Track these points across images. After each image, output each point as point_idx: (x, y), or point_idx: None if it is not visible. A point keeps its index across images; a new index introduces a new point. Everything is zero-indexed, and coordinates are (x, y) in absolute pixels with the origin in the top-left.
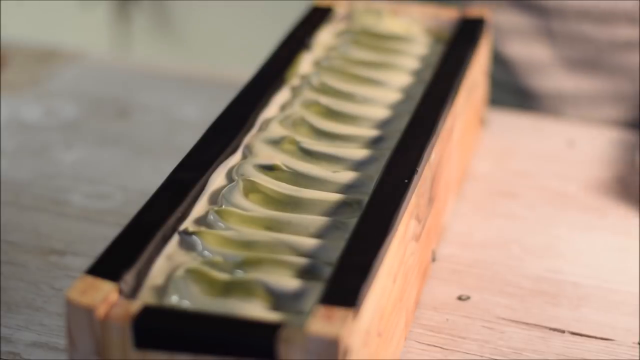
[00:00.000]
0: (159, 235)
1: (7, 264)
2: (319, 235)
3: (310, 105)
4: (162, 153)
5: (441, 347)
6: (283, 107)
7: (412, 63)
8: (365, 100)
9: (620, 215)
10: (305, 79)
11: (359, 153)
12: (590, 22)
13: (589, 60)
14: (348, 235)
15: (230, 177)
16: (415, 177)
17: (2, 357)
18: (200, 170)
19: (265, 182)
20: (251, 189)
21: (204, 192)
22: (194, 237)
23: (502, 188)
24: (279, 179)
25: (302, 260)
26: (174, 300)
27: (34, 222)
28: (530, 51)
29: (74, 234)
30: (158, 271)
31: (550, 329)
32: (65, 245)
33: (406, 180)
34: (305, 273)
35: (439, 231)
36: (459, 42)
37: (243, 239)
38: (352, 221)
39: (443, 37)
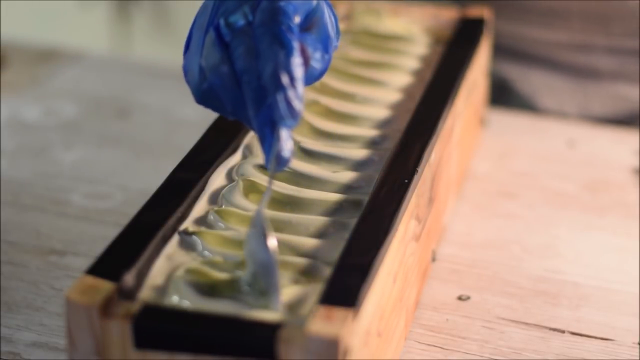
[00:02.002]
0: (159, 235)
1: (7, 264)
2: (319, 235)
3: (310, 105)
4: (162, 153)
5: (441, 347)
6: None
7: (412, 63)
8: (365, 100)
9: (620, 215)
10: None
11: (359, 153)
12: None
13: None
14: (348, 235)
15: (230, 177)
16: (415, 177)
17: (2, 357)
18: (200, 170)
19: (265, 182)
20: (251, 189)
21: (204, 192)
22: (194, 237)
23: (502, 188)
24: (279, 179)
25: (302, 261)
26: (174, 300)
27: (34, 222)
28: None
29: (74, 234)
30: (158, 271)
31: (550, 329)
32: (65, 245)
33: (406, 180)
34: (305, 274)
35: (439, 231)
36: (459, 42)
37: (243, 239)
38: (352, 221)
39: (443, 37)
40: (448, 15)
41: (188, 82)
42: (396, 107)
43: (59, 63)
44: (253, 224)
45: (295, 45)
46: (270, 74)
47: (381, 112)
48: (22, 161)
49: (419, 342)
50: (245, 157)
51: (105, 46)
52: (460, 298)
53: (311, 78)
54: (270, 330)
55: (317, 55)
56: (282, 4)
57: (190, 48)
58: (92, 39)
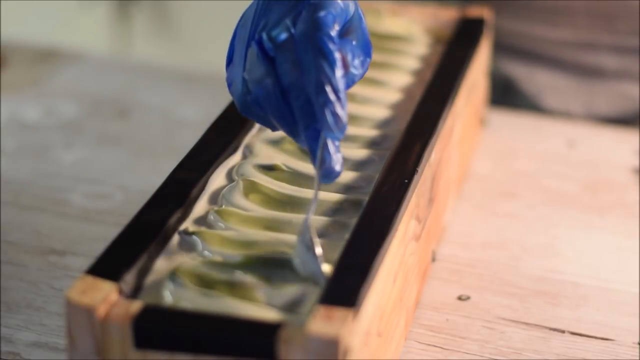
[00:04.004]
0: (159, 235)
1: (7, 264)
2: (319, 235)
3: None
4: (162, 153)
5: (441, 347)
6: None
7: (412, 63)
8: (365, 100)
9: (620, 215)
10: None
11: (359, 153)
12: None
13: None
14: (348, 235)
15: (230, 177)
16: (415, 177)
17: (2, 357)
18: (200, 170)
19: (265, 182)
20: (251, 189)
21: (204, 192)
22: (194, 237)
23: (502, 188)
24: (279, 179)
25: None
26: (173, 300)
27: (34, 222)
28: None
29: (74, 234)
30: (158, 271)
31: (550, 329)
32: (65, 245)
33: (406, 180)
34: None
35: (439, 231)
36: (459, 42)
37: (243, 239)
38: (352, 221)
39: (443, 37)
40: (448, 15)
41: (232, 93)
42: (396, 107)
43: (59, 63)
44: (301, 234)
45: (337, 56)
46: (315, 88)
47: (381, 112)
48: (22, 161)
49: (419, 342)
50: (245, 157)
51: (105, 46)
52: (460, 298)
53: (350, 84)
54: (270, 330)
55: (356, 62)
56: (322, 14)
57: (233, 61)
58: (92, 39)
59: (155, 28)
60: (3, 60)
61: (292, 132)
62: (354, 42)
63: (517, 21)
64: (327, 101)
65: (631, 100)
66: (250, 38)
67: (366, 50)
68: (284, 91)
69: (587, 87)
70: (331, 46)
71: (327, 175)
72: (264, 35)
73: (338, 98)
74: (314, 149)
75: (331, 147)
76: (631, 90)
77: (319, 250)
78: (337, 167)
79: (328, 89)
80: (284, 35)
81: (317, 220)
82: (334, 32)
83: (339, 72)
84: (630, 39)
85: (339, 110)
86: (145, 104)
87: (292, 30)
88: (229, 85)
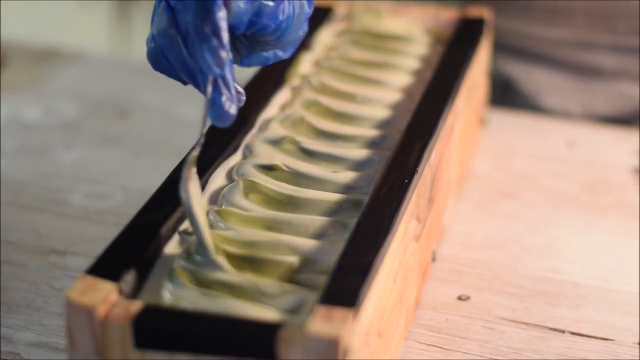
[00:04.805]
0: (159, 235)
1: (7, 264)
2: (319, 235)
3: (310, 105)
4: (162, 153)
5: (441, 347)
6: (283, 107)
7: (412, 63)
8: (365, 100)
9: (620, 215)
10: (305, 79)
11: (359, 153)
12: None
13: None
14: (348, 235)
15: (230, 177)
16: (415, 177)
17: (2, 357)
18: (200, 170)
19: (265, 182)
20: (251, 189)
21: (204, 192)
22: (194, 237)
23: (502, 188)
24: (279, 179)
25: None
26: (173, 299)
27: (34, 222)
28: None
29: (74, 234)
30: (158, 271)
31: (550, 329)
32: (65, 245)
33: (406, 180)
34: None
35: (439, 231)
36: (459, 42)
37: (243, 239)
38: (352, 221)
39: (443, 37)
40: (448, 15)
41: (147, 53)
42: (396, 107)
43: (59, 63)
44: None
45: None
46: (193, 27)
47: (381, 112)
48: (22, 161)
49: (419, 342)
50: (245, 157)
51: (105, 46)
52: (460, 298)
53: (240, 24)
54: (270, 330)
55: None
56: None
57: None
58: (92, 39)
59: None
60: (3, 60)
61: (195, 82)
62: None
63: (516, 21)
64: (204, 37)
65: (630, 99)
66: None
67: None
68: (184, 39)
69: (586, 87)
70: None
71: (218, 117)
72: None
73: (216, 35)
74: (202, 89)
75: (222, 87)
76: (630, 89)
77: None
78: (230, 110)
79: (206, 26)
80: None
81: (317, 220)
82: None
83: (219, 11)
84: (629, 38)
85: (216, 45)
86: (145, 104)
87: None
88: (146, 45)
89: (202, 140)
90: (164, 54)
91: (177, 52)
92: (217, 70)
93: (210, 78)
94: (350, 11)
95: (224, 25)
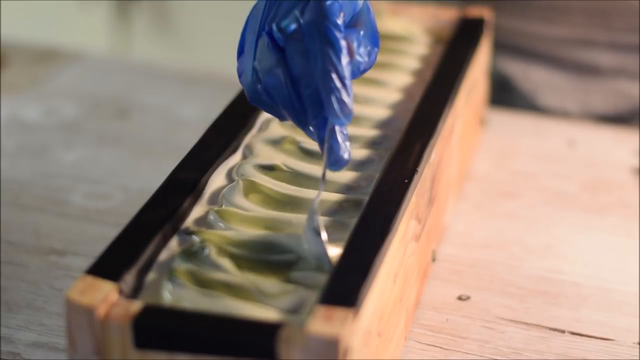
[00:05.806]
0: (159, 235)
1: (7, 264)
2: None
3: None
4: (162, 153)
5: (441, 347)
6: None
7: (412, 63)
8: (365, 100)
9: (620, 215)
10: None
11: (359, 153)
12: None
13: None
14: (348, 235)
15: (230, 177)
16: (415, 177)
17: (2, 357)
18: (200, 170)
19: (265, 182)
20: (251, 189)
21: (204, 192)
22: (194, 237)
23: (502, 188)
24: (279, 179)
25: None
26: (173, 299)
27: (34, 222)
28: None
29: (74, 234)
30: (158, 271)
31: (550, 329)
32: (65, 245)
33: (406, 180)
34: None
35: (439, 231)
36: (459, 42)
37: (243, 239)
38: (352, 221)
39: (443, 37)
40: (448, 15)
41: (242, 82)
42: (396, 107)
43: (59, 63)
44: (308, 219)
45: (343, 43)
46: (321, 75)
47: (381, 112)
48: (22, 161)
49: (419, 342)
50: (245, 157)
51: (105, 46)
52: (460, 298)
53: (357, 72)
54: (270, 330)
55: (362, 50)
56: (328, 3)
57: (244, 51)
58: (92, 39)
59: (155, 28)
60: (3, 60)
61: (300, 121)
62: (361, 32)
63: (514, 19)
64: (333, 88)
65: (627, 98)
66: (260, 29)
67: (373, 40)
68: (294, 81)
69: (584, 85)
70: (337, 34)
71: (335, 163)
72: (274, 26)
73: (343, 85)
74: (322, 137)
75: (339, 135)
76: (627, 87)
77: (324, 235)
78: (345, 155)
79: (334, 75)
80: (293, 26)
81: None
82: (340, 20)
83: (344, 59)
84: (626, 36)
85: (344, 96)
86: (145, 104)
87: (301, 21)
88: (239, 75)
89: (323, 188)
90: (269, 91)
91: (284, 92)
92: (344, 120)
93: (331, 126)
94: None
95: (348, 73)
